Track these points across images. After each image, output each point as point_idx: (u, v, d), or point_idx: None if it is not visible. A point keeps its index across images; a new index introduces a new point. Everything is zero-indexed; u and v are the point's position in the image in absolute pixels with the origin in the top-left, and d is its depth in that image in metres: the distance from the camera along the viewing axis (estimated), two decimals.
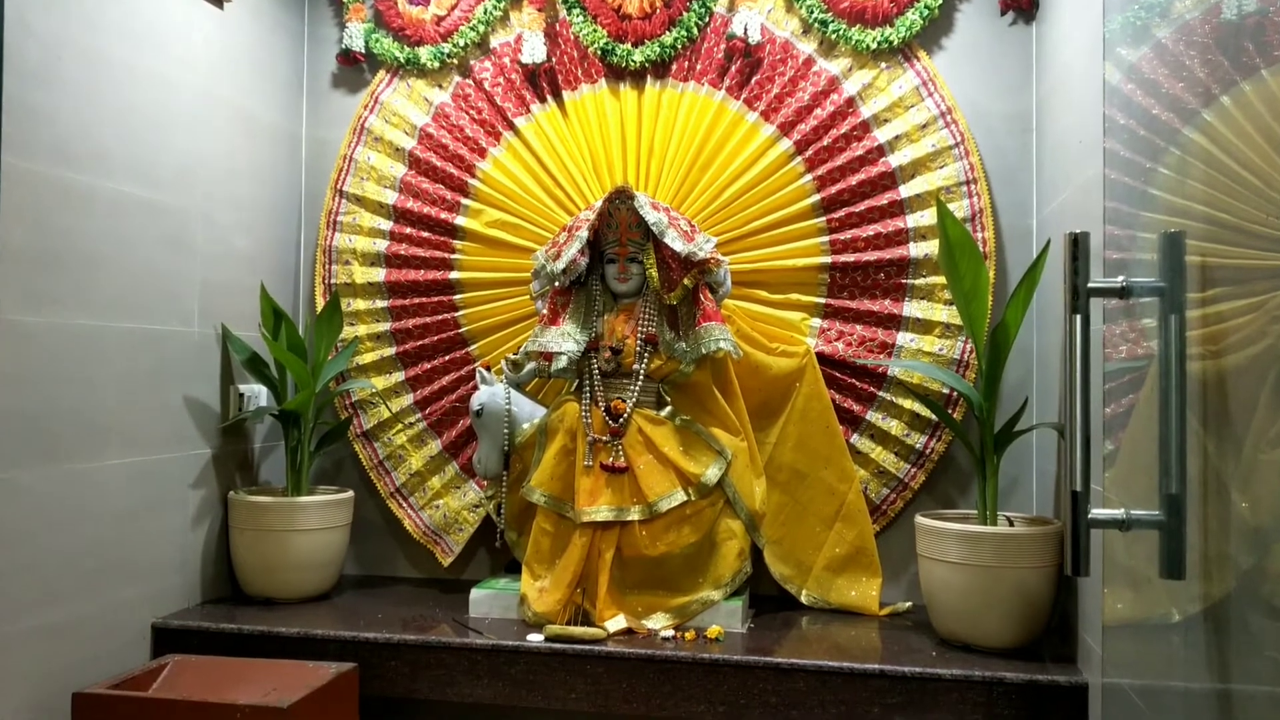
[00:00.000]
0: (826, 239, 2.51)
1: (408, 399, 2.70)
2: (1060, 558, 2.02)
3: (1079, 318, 1.10)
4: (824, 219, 2.51)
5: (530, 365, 2.45)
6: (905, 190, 2.47)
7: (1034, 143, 2.47)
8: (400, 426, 2.70)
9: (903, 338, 2.47)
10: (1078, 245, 1.11)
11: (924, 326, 2.46)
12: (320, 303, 2.70)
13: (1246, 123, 0.98)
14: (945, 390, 2.43)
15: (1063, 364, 1.15)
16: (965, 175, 2.45)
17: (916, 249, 2.46)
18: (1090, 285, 1.11)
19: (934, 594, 2.12)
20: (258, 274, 2.63)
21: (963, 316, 2.16)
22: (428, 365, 2.70)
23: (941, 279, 2.40)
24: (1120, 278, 1.11)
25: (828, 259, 2.50)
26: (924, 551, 2.12)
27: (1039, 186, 2.44)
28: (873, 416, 2.49)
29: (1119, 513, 1.08)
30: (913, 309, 2.47)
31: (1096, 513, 1.09)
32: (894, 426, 2.48)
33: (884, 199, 2.48)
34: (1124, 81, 1.31)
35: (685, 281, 2.31)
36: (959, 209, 2.43)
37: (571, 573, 2.25)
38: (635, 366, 2.34)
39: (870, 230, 2.49)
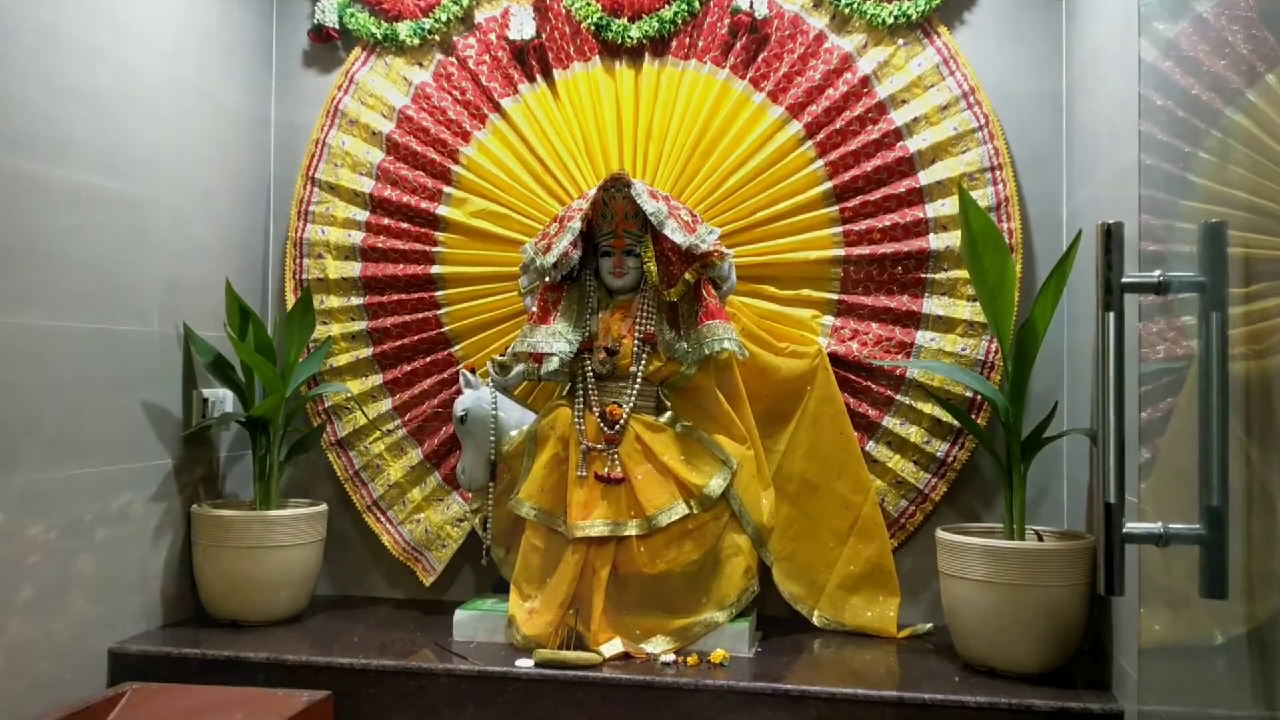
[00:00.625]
0: (839, 230, 2.51)
1: (386, 404, 2.70)
2: (1093, 575, 2.02)
3: (1112, 315, 1.10)
4: (837, 208, 2.51)
5: (519, 367, 2.45)
6: (925, 177, 2.47)
7: (1064, 126, 2.48)
8: (378, 434, 2.70)
9: (922, 337, 2.48)
10: (1111, 236, 1.11)
11: (945, 324, 2.46)
12: (291, 300, 2.69)
13: None
14: (968, 394, 2.43)
15: (1095, 365, 1.15)
16: (989, 161, 2.45)
17: (937, 240, 2.46)
18: (1124, 280, 1.11)
19: (957, 614, 2.12)
20: (223, 269, 2.63)
21: (987, 314, 2.16)
22: (407, 367, 2.70)
23: (964, 273, 2.40)
24: (1157, 272, 1.11)
25: (841, 251, 2.51)
26: (946, 569, 2.13)
27: (1069, 173, 2.44)
28: (890, 422, 2.49)
29: (1156, 527, 1.08)
30: (933, 305, 2.47)
31: (1132, 526, 1.09)
32: (913, 433, 2.48)
33: (901, 186, 2.48)
34: (1161, 59, 1.31)
35: (686, 276, 2.31)
36: (983, 197, 2.43)
37: (564, 592, 2.25)
38: (632, 368, 2.35)
39: (887, 220, 2.49)
